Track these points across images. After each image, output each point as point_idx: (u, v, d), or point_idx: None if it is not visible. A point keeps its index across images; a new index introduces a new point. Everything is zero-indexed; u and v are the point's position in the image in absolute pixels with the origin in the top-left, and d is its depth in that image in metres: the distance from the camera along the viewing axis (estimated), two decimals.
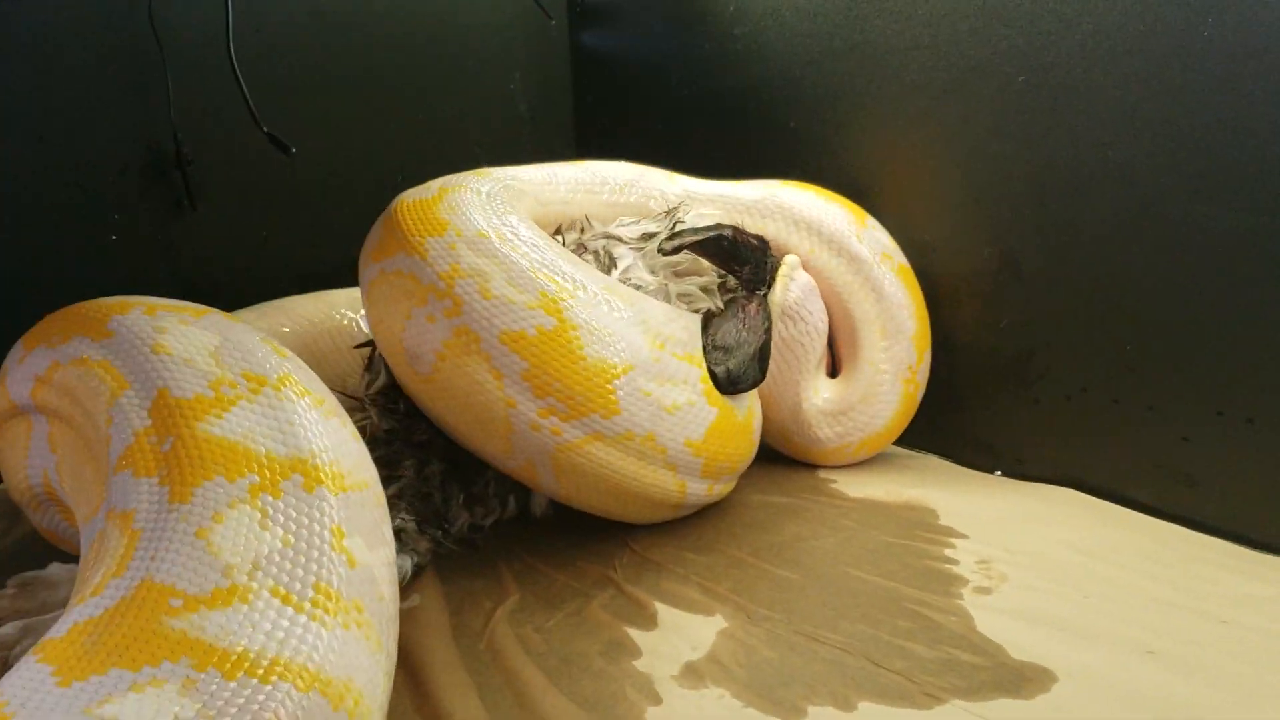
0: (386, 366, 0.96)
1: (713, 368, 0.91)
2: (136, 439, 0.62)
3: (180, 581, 0.52)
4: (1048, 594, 0.80)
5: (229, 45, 1.21)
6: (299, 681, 0.49)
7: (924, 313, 1.10)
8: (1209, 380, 0.90)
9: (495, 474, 0.95)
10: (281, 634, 0.50)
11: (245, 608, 0.51)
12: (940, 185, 1.10)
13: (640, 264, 1.00)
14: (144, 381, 0.65)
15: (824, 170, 1.10)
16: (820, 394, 1.09)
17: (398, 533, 0.87)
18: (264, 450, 0.60)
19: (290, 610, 0.52)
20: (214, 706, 0.46)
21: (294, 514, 0.57)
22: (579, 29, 1.62)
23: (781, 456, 1.14)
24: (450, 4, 1.48)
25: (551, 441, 0.83)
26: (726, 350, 0.92)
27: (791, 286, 1.06)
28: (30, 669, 0.48)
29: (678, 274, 1.01)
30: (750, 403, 0.97)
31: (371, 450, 0.89)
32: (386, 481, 0.88)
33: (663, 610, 0.81)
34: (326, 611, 0.53)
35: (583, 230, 1.05)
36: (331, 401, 0.70)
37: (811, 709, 0.66)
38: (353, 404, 0.94)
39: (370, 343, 1.01)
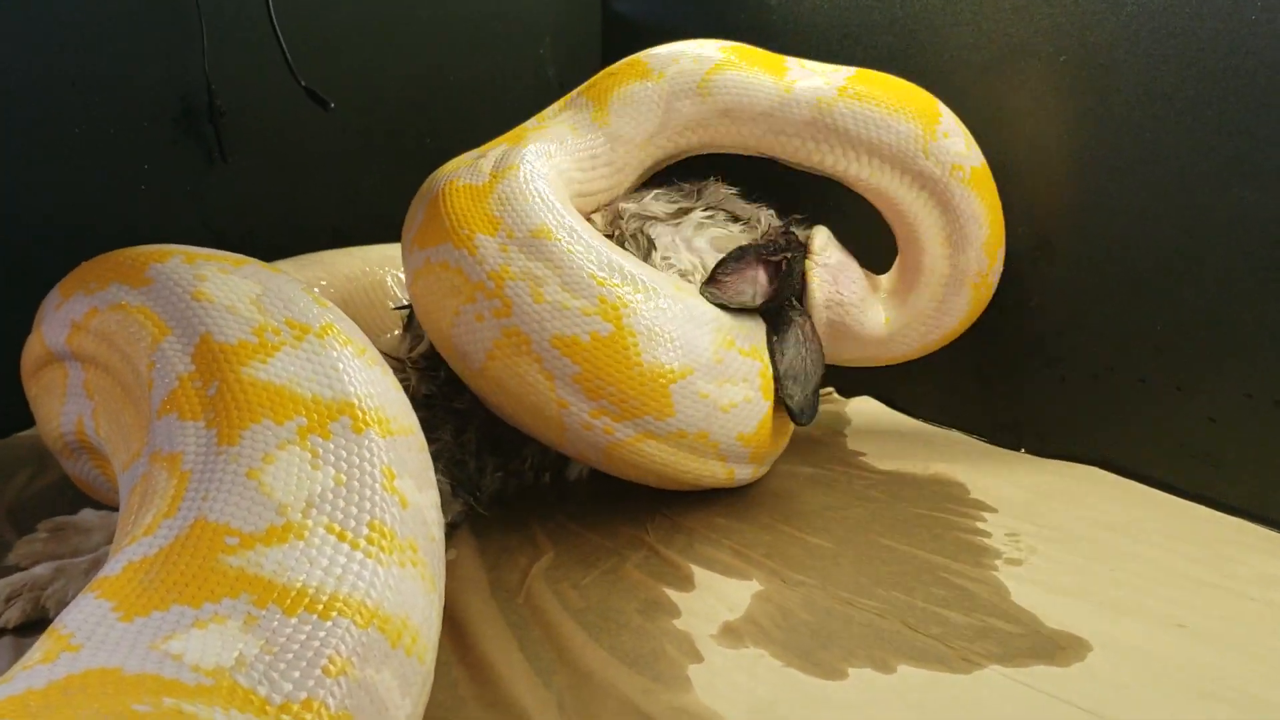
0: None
1: (786, 401, 0.91)
2: (180, 383, 0.62)
3: (235, 520, 0.52)
4: (1077, 568, 0.81)
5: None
6: (358, 618, 0.49)
7: (998, 216, 1.04)
8: (1238, 362, 0.91)
9: (534, 451, 0.95)
10: (339, 570, 0.51)
11: (302, 544, 0.51)
12: None
13: (679, 242, 0.99)
14: (186, 327, 0.65)
15: None
16: (889, 320, 1.07)
17: None
18: (310, 394, 0.61)
19: (346, 547, 0.52)
20: (276, 643, 0.46)
21: (345, 454, 0.57)
22: None
23: (805, 429, 1.14)
24: None
25: (604, 439, 0.83)
26: (795, 380, 0.92)
27: (823, 276, 1.02)
28: (90, 604, 0.48)
29: (717, 249, 1.00)
30: None
31: None
32: None
33: (698, 572, 0.81)
34: (383, 549, 0.53)
35: (617, 217, 1.03)
36: (373, 351, 0.70)
37: (852, 671, 0.67)
38: (394, 365, 0.94)
39: (409, 305, 1.01)
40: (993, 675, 0.66)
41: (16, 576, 0.76)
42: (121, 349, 0.69)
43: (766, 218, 1.05)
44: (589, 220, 1.00)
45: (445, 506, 0.88)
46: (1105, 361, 1.01)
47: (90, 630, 0.46)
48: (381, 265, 1.19)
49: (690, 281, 0.95)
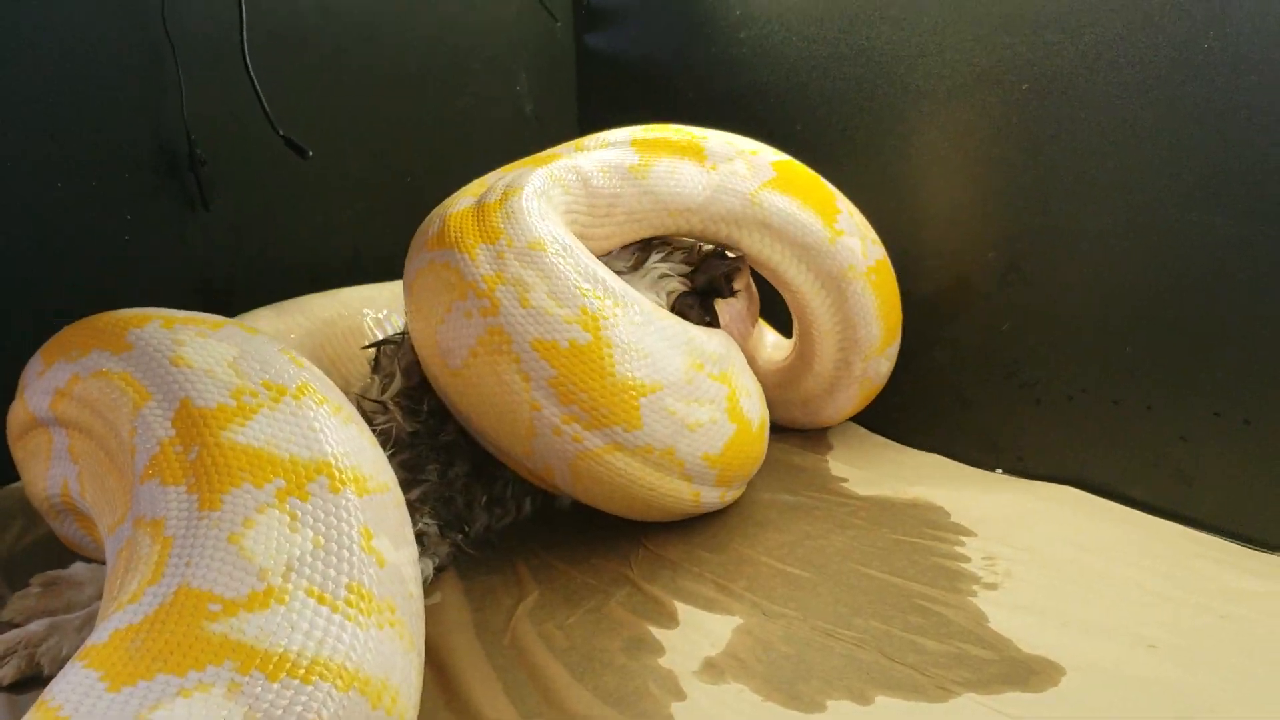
0: (402, 368, 0.97)
1: None
2: (162, 448, 0.63)
3: (217, 586, 0.53)
4: (1052, 590, 0.82)
5: (242, 46, 1.22)
6: (339, 681, 0.50)
7: (893, 314, 1.14)
8: (1207, 382, 0.93)
9: (513, 475, 0.97)
10: (320, 634, 0.52)
11: (283, 609, 0.52)
12: (945, 189, 1.12)
13: (645, 293, 1.02)
14: (166, 392, 0.66)
15: (829, 174, 1.12)
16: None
17: (420, 536, 0.89)
18: (288, 455, 0.62)
19: (326, 610, 0.53)
20: (260, 709, 0.47)
21: (323, 515, 0.59)
22: (584, 31, 1.63)
23: (788, 456, 1.16)
24: (457, 6, 1.49)
25: (572, 448, 0.85)
26: None
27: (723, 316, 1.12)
28: (78, 674, 0.49)
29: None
30: (763, 413, 1.00)
31: (396, 453, 0.91)
32: (410, 485, 0.90)
33: (681, 608, 0.83)
34: (361, 611, 0.55)
35: None
36: (348, 408, 0.71)
37: (830, 703, 0.68)
38: (376, 407, 0.95)
39: (378, 344, 1.03)
40: (967, 703, 0.67)
41: (11, 634, 0.77)
42: (104, 415, 0.70)
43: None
44: None
45: (433, 549, 0.90)
46: (1079, 383, 1.03)
47: (78, 702, 0.47)
48: (362, 306, 1.21)
49: None
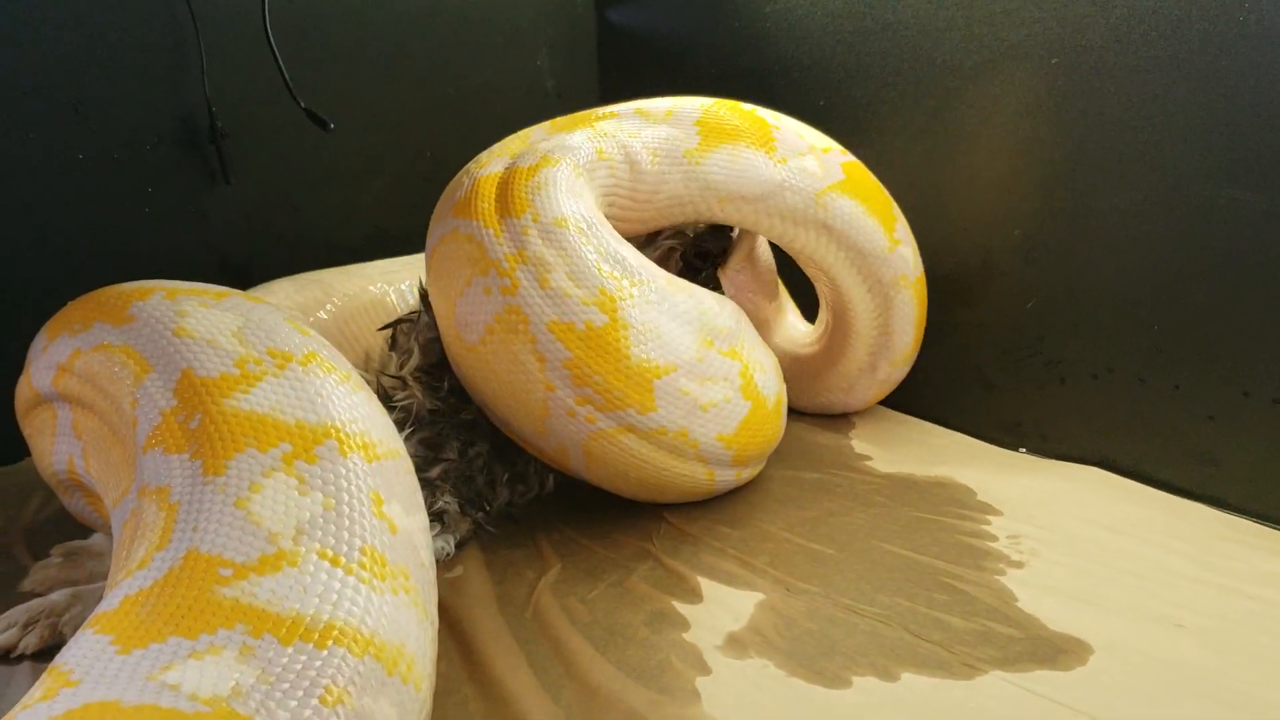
0: (420, 345, 0.97)
1: None
2: (164, 418, 0.62)
3: (227, 550, 0.52)
4: (1078, 569, 0.81)
5: (265, 20, 1.22)
6: (354, 646, 0.49)
7: (923, 325, 1.14)
8: (1235, 361, 0.91)
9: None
10: (334, 596, 0.51)
11: (295, 571, 0.51)
12: (971, 165, 1.10)
13: None
14: (167, 363, 0.66)
15: (854, 150, 1.10)
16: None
17: (440, 515, 0.88)
18: (294, 420, 0.61)
19: (340, 572, 0.52)
20: (272, 673, 0.46)
21: (332, 478, 0.58)
22: (606, 5, 1.62)
23: (810, 434, 1.16)
24: None
25: (585, 429, 0.84)
26: None
27: (728, 289, 1.12)
28: (89, 640, 0.48)
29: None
30: (779, 389, 0.98)
31: (416, 431, 0.91)
32: (431, 463, 0.90)
33: (704, 583, 0.82)
34: (376, 575, 0.54)
35: None
36: (357, 377, 0.71)
37: (856, 679, 0.67)
38: (396, 383, 0.95)
39: (394, 323, 1.02)
40: (994, 681, 0.67)
41: (34, 602, 0.77)
42: (105, 389, 0.69)
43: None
44: None
45: (453, 526, 0.89)
46: (1104, 362, 1.02)
47: (89, 665, 0.47)
48: (380, 281, 1.20)
49: None
